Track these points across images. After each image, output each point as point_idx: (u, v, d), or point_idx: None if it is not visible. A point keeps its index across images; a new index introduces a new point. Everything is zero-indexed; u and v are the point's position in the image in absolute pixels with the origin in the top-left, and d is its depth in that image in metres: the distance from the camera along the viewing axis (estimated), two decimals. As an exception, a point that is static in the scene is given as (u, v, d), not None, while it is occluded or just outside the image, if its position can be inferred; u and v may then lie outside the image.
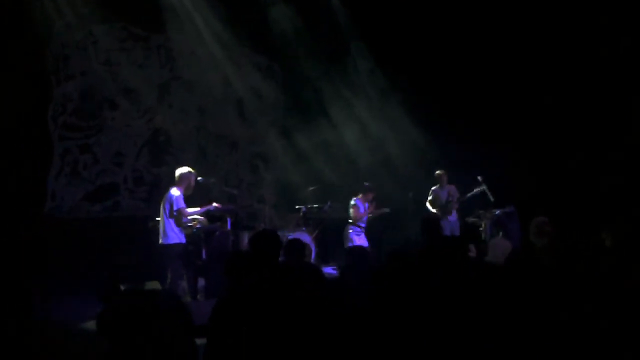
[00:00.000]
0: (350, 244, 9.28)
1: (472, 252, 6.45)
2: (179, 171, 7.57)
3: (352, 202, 9.49)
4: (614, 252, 4.87)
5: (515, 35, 9.58)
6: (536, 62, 9.58)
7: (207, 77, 10.93)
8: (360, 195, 9.55)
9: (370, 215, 9.61)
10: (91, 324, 6.86)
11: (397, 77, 11.03)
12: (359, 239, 9.41)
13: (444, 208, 9.80)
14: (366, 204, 9.63)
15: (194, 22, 10.52)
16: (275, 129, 12.01)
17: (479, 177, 9.49)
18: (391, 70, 11.13)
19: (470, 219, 9.77)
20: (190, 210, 7.51)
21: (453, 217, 9.82)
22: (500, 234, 9.07)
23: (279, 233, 5.56)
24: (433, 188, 10.05)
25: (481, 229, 9.51)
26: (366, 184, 9.60)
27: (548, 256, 4.98)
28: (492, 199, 9.39)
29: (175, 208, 7.24)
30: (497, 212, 9.27)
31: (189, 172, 7.56)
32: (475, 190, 9.59)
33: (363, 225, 9.54)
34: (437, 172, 10.00)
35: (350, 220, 9.49)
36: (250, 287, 3.78)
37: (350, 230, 9.42)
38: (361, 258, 4.77)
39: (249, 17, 10.93)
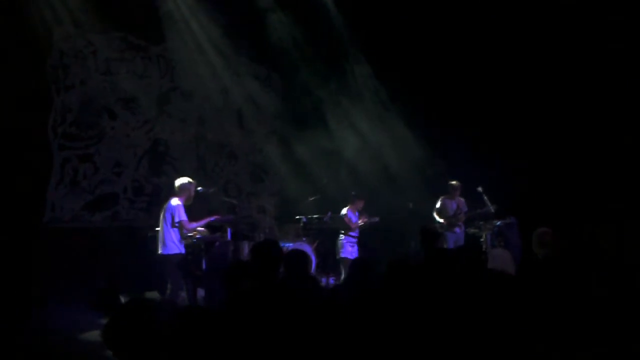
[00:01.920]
0: (343, 254, 9.30)
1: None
2: (179, 181, 7.55)
3: (343, 213, 9.49)
4: (614, 261, 4.88)
5: (516, 44, 9.61)
6: (536, 71, 9.60)
7: (206, 87, 10.96)
8: (349, 206, 9.55)
9: (361, 224, 9.60)
10: (90, 334, 6.85)
11: (396, 86, 11.07)
12: (353, 250, 9.40)
13: (451, 219, 9.75)
14: (356, 213, 9.63)
15: (193, 32, 10.56)
16: (274, 139, 12.02)
17: (479, 188, 9.46)
18: (390, 79, 11.17)
19: (471, 230, 9.77)
20: (192, 224, 7.48)
21: (459, 228, 9.78)
22: (501, 244, 9.08)
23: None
24: (442, 197, 9.94)
25: (482, 239, 9.50)
26: (353, 193, 9.59)
27: (550, 266, 4.98)
28: (492, 210, 9.38)
29: (177, 220, 7.23)
30: (498, 223, 9.27)
31: (189, 182, 7.55)
32: (485, 209, 9.52)
33: (355, 235, 9.51)
34: (452, 182, 9.86)
35: (342, 231, 9.46)
36: (250, 297, 3.76)
37: (344, 241, 9.39)
38: (364, 270, 4.74)
39: (248, 27, 10.97)
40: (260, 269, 4.30)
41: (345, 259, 9.26)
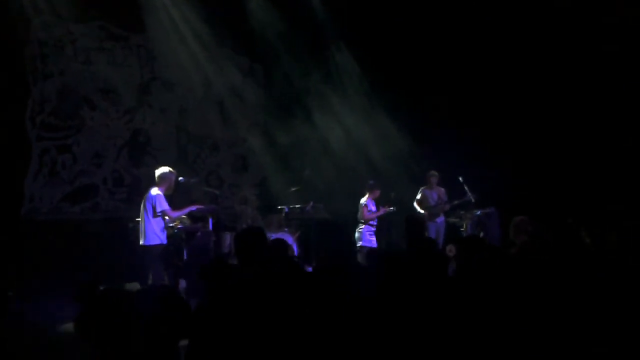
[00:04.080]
0: (363, 243, 9.19)
1: (452, 251, 6.49)
2: (159, 171, 7.48)
3: (362, 202, 9.37)
4: (593, 251, 4.92)
5: (499, 38, 9.65)
6: (519, 64, 9.65)
7: (187, 78, 10.87)
8: (367, 195, 9.45)
9: (380, 214, 9.45)
10: (68, 326, 6.79)
11: (379, 77, 11.06)
12: (372, 239, 9.32)
13: (432, 210, 9.77)
14: (373, 202, 9.48)
15: (174, 22, 10.46)
16: (256, 130, 11.97)
17: (460, 178, 9.52)
18: (374, 70, 11.16)
19: (451, 220, 9.82)
20: (175, 213, 7.43)
21: (440, 218, 9.82)
22: (481, 234, 9.14)
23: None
24: (422, 188, 9.97)
25: (462, 229, 9.56)
26: (371, 182, 9.51)
27: (526, 254, 5.02)
28: (472, 199, 9.43)
29: (158, 210, 7.16)
30: (478, 212, 9.32)
31: (170, 172, 7.48)
32: (464, 198, 9.57)
33: (375, 224, 9.42)
34: (430, 172, 9.91)
35: (362, 221, 9.36)
36: (233, 287, 3.74)
37: (364, 230, 9.29)
38: (340, 259, 4.74)
39: (231, 18, 10.88)
40: (244, 257, 4.28)
41: (364, 247, 9.15)
